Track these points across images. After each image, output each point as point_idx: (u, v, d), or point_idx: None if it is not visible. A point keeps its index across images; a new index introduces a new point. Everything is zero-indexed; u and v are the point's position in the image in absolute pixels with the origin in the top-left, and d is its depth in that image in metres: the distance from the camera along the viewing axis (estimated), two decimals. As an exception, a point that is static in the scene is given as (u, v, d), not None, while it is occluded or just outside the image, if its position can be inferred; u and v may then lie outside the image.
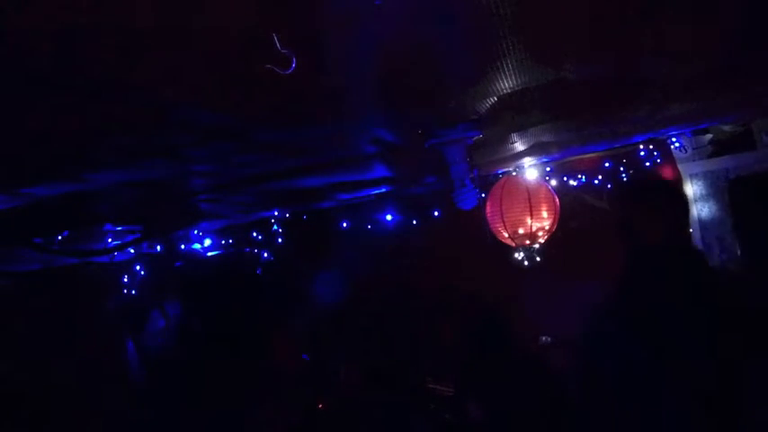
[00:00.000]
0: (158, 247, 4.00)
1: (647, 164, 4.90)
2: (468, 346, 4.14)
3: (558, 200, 3.74)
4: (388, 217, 4.95)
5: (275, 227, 4.62)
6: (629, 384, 1.85)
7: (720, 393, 1.67)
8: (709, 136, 4.98)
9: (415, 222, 5.14)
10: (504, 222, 3.58)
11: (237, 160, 2.37)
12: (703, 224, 4.97)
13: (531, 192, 3.59)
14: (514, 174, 3.93)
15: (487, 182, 4.08)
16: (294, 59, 1.23)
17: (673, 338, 1.77)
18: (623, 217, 2.00)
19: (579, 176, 4.99)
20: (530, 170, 4.00)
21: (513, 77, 1.85)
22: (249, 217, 4.37)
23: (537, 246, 3.68)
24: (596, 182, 4.95)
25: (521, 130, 2.90)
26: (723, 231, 4.87)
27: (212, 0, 1.03)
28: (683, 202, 2.05)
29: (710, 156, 5.03)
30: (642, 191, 2.09)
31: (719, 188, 4.92)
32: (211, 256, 4.45)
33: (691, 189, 5.05)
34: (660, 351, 1.78)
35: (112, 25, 1.03)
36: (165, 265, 4.12)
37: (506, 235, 3.64)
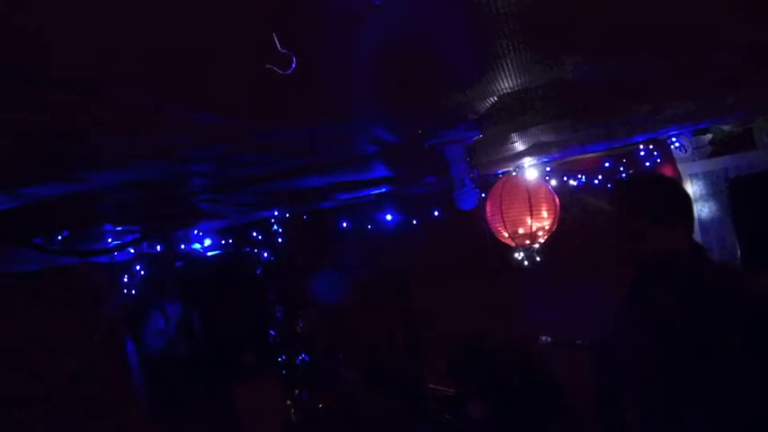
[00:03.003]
0: (158, 247, 4.00)
1: (647, 164, 4.90)
2: (468, 347, 4.15)
3: (558, 200, 3.74)
4: (388, 217, 4.95)
5: (275, 227, 4.62)
6: (643, 384, 1.84)
7: (727, 396, 1.67)
8: (709, 136, 4.98)
9: (415, 222, 5.14)
10: (504, 222, 3.58)
11: (237, 160, 2.37)
12: (703, 224, 4.97)
13: (531, 192, 3.59)
14: (514, 174, 3.93)
15: (487, 182, 4.08)
16: (294, 59, 1.23)
17: (681, 341, 1.76)
18: (625, 217, 1.98)
19: (579, 176, 4.99)
20: (530, 170, 3.99)
21: (513, 77, 1.85)
22: (249, 217, 4.37)
23: (537, 246, 3.68)
24: (596, 182, 4.94)
25: (521, 130, 2.90)
26: (723, 231, 4.87)
27: (212, 0, 1.03)
28: (686, 199, 2.03)
29: (710, 156, 5.02)
30: (642, 188, 2.07)
31: (719, 188, 4.91)
32: (211, 256, 4.45)
33: (691, 189, 5.05)
34: (668, 352, 1.78)
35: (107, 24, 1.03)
36: (165, 265, 4.12)
37: (506, 235, 3.64)
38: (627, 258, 1.95)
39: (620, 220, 1.97)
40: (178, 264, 4.26)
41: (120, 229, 3.37)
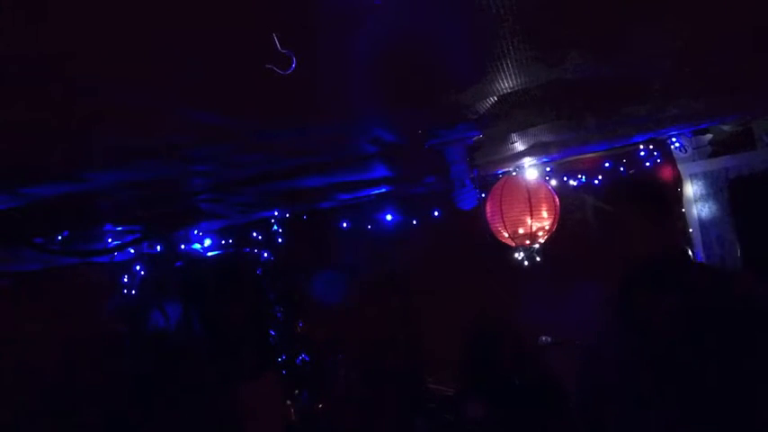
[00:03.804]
0: (158, 247, 4.00)
1: (647, 164, 4.90)
2: (469, 347, 4.14)
3: (558, 200, 3.74)
4: (388, 217, 4.96)
5: (275, 227, 4.62)
6: (629, 387, 1.84)
7: (721, 399, 1.67)
8: (709, 136, 4.98)
9: (415, 222, 5.14)
10: (504, 222, 3.58)
11: (237, 160, 2.37)
12: (703, 224, 4.97)
13: (531, 192, 3.59)
14: (514, 174, 3.93)
15: (487, 182, 4.08)
16: (294, 59, 1.23)
17: (672, 342, 1.76)
18: (619, 218, 1.99)
19: (579, 176, 4.99)
20: (530, 170, 3.99)
21: (513, 77, 1.85)
22: (249, 217, 4.37)
23: (537, 246, 3.68)
24: (596, 182, 4.95)
25: (521, 130, 2.90)
26: (723, 231, 4.87)
27: (212, 0, 1.03)
28: (679, 202, 2.04)
29: (710, 156, 5.03)
30: (637, 192, 2.08)
31: (719, 188, 4.92)
32: (211, 256, 4.45)
33: (691, 189, 5.05)
34: (660, 356, 1.78)
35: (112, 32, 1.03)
36: (165, 265, 4.12)
37: (506, 235, 3.64)
38: (618, 260, 1.95)
39: (613, 221, 1.99)
40: (178, 264, 4.26)
41: (120, 229, 3.37)
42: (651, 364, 1.78)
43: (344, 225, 4.95)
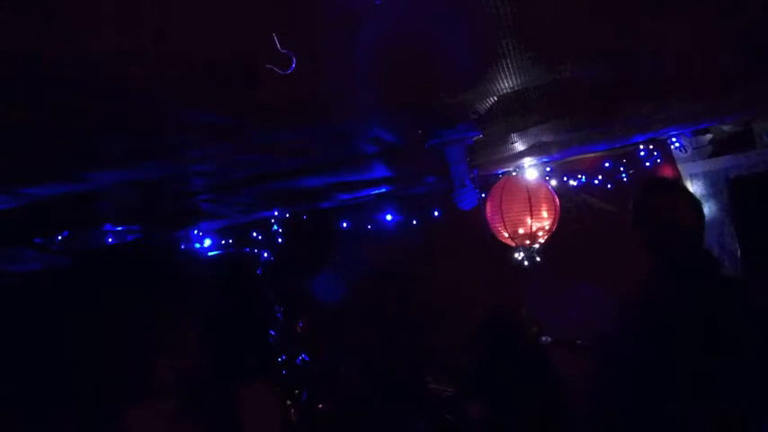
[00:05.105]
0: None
1: (647, 164, 4.90)
2: (469, 347, 4.14)
3: (558, 200, 3.74)
4: (388, 217, 4.96)
5: (275, 227, 4.62)
6: (638, 386, 1.83)
7: (728, 399, 1.66)
8: (709, 136, 4.98)
9: (415, 222, 5.14)
10: (504, 222, 3.58)
11: (237, 160, 2.37)
12: (703, 224, 4.96)
13: (531, 192, 3.59)
14: (514, 174, 3.93)
15: (487, 182, 4.08)
16: (294, 59, 1.23)
17: (685, 343, 1.75)
18: (639, 219, 1.97)
19: (579, 176, 4.99)
20: (530, 170, 3.99)
21: (513, 77, 1.85)
22: (249, 217, 4.37)
23: (537, 246, 3.68)
24: (596, 182, 4.94)
25: (521, 130, 2.90)
26: (723, 231, 4.87)
27: (213, 1, 1.03)
28: (697, 202, 2.02)
29: (710, 156, 5.02)
30: (661, 192, 2.06)
31: (719, 188, 4.91)
32: (211, 256, 4.45)
33: (691, 189, 5.05)
34: (673, 355, 1.77)
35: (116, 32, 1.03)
36: (165, 265, 4.12)
37: (506, 235, 3.64)
38: (618, 260, 1.94)
39: (613, 221, 1.98)
40: (178, 264, 4.25)
41: (120, 229, 3.37)
42: (675, 367, 1.76)
43: (344, 225, 4.95)
